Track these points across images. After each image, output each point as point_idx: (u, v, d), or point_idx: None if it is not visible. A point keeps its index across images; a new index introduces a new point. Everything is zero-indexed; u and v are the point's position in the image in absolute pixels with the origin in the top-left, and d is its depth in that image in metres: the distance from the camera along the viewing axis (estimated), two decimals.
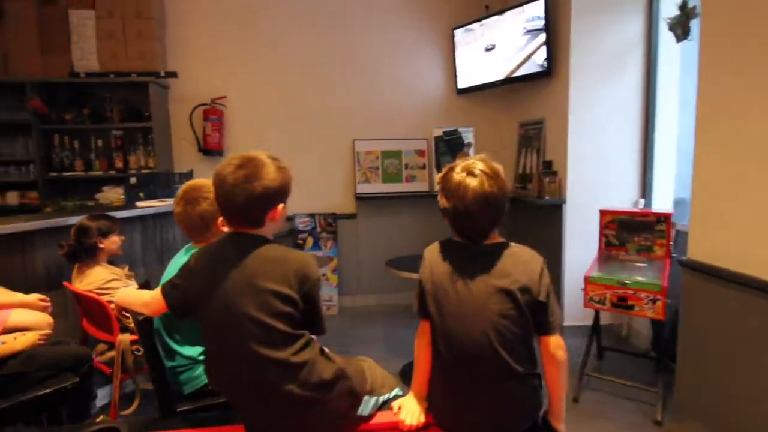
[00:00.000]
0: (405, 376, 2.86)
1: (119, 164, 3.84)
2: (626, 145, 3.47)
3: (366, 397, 1.19)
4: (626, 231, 2.85)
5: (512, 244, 1.26)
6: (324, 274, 4.25)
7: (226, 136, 4.14)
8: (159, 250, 3.05)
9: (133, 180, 3.35)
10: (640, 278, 2.39)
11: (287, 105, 4.21)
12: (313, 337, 1.19)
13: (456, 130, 4.36)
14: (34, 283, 2.29)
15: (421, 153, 4.41)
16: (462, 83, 4.30)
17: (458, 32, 4.20)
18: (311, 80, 4.22)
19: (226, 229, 1.30)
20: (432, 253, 1.29)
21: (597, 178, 3.49)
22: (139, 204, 3.04)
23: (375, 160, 4.35)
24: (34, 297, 1.93)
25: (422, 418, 1.20)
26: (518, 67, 3.85)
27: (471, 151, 4.35)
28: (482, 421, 1.18)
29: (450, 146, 4.36)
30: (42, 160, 3.72)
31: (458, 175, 1.18)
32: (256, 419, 1.10)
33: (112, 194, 3.66)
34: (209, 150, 4.04)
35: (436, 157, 4.35)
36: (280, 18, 4.11)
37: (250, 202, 1.14)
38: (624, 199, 3.47)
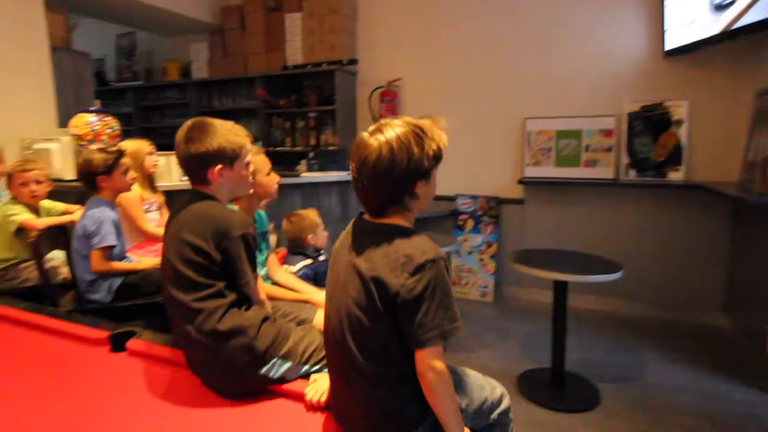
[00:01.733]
0: (523, 382, 2.58)
1: (313, 141, 4.54)
2: None
3: (277, 360, 1.19)
4: None
5: (416, 234, 1.05)
6: (482, 260, 4.09)
7: (400, 116, 4.37)
8: None
9: (311, 155, 3.93)
10: None
11: (457, 84, 4.14)
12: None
13: (660, 105, 3.48)
14: None
15: (607, 133, 3.69)
16: (672, 42, 3.36)
17: None
18: (482, 57, 4.02)
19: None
20: (348, 224, 1.18)
21: None
22: (303, 174, 3.57)
23: (548, 140, 3.87)
24: None
25: (324, 399, 1.13)
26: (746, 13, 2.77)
27: (683, 130, 3.41)
28: (346, 414, 1.07)
29: (651, 125, 3.51)
30: (264, 137, 4.73)
31: (366, 132, 1.05)
32: (183, 348, 1.27)
33: (303, 167, 4.37)
34: None
35: (628, 139, 3.58)
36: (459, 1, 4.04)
37: (186, 162, 1.29)
38: None
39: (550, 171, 3.86)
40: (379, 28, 4.36)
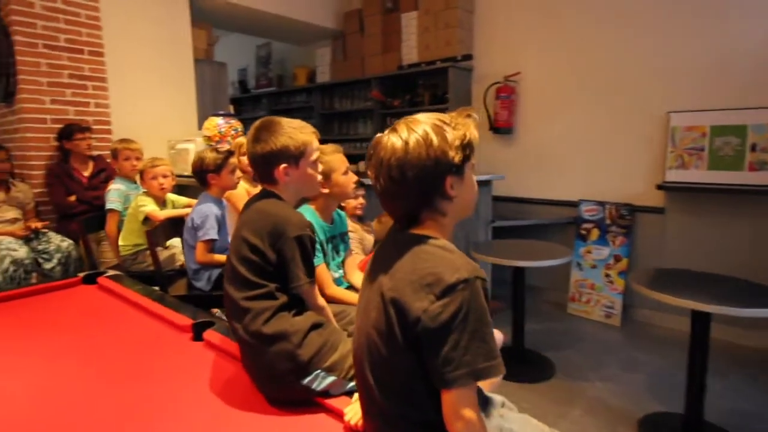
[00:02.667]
0: (646, 427, 2.18)
1: None
2: None
3: (320, 372, 1.10)
4: None
5: (441, 242, 0.87)
6: (608, 275, 3.58)
7: (517, 114, 4.06)
8: None
9: None
10: None
11: (583, 75, 3.68)
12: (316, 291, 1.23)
13: None
14: None
15: None
16: None
17: None
18: (615, 41, 3.51)
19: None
20: None
21: None
22: None
23: (700, 138, 3.22)
24: None
25: (361, 423, 1.01)
26: None
27: None
28: None
29: None
30: None
31: (383, 133, 0.92)
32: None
33: None
34: (498, 128, 4.08)
35: None
36: None
37: (253, 162, 1.27)
38: None
39: (700, 175, 3.21)
40: (497, 20, 4.09)
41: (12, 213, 2.83)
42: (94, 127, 3.26)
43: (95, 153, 3.21)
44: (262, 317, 1.11)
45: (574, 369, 2.78)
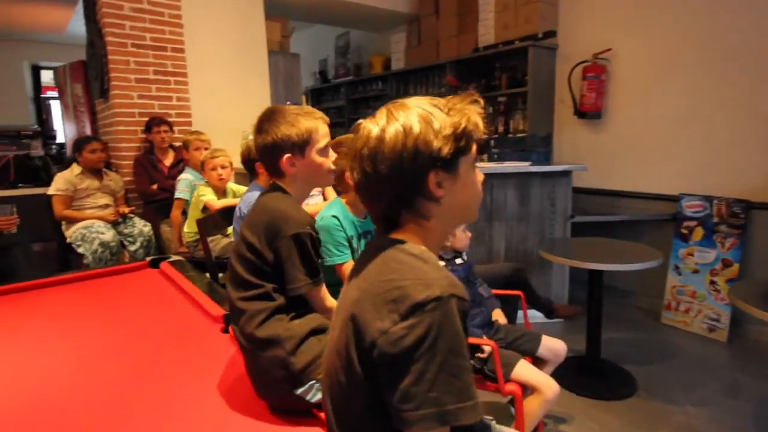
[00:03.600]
0: None
1: (501, 128, 4.14)
2: None
3: (315, 383, 1.00)
4: None
5: (417, 249, 0.72)
6: (713, 283, 3.07)
7: (606, 96, 3.61)
8: (488, 209, 3.19)
9: (492, 143, 3.59)
10: None
11: (687, 50, 3.15)
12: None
13: None
14: None
15: None
16: None
17: None
18: (727, 10, 2.93)
19: None
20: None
21: None
22: (476, 165, 3.26)
23: None
24: None
25: None
26: None
27: None
28: None
29: None
30: None
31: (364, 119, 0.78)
32: None
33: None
34: (584, 112, 3.66)
35: None
36: None
37: (258, 154, 1.19)
38: None
39: None
40: None
41: (104, 199, 3.12)
42: (176, 119, 3.48)
43: (177, 144, 3.43)
44: (256, 319, 1.04)
45: (660, 388, 2.41)
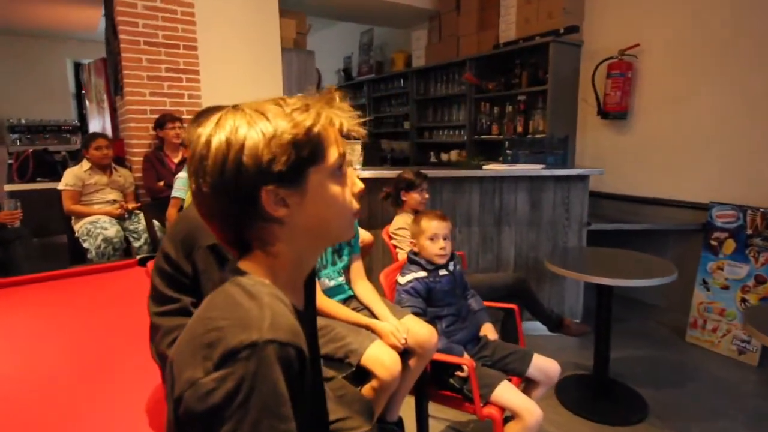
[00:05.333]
0: None
1: (520, 128, 3.95)
2: None
3: None
4: None
5: (252, 281, 0.61)
6: (744, 300, 2.80)
7: (632, 95, 3.36)
8: (497, 213, 3.03)
9: (506, 144, 3.41)
10: None
11: (722, 47, 2.87)
12: None
13: None
14: None
15: None
16: None
17: None
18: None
19: None
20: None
21: None
22: (485, 167, 3.11)
23: None
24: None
25: None
26: None
27: None
28: None
29: None
30: (471, 124, 4.40)
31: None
32: None
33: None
34: (607, 112, 3.43)
35: None
36: None
37: None
38: None
39: None
40: None
41: (113, 195, 3.17)
42: (188, 117, 3.50)
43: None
44: (169, 337, 0.97)
45: (675, 414, 2.21)
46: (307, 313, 0.72)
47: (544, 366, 1.75)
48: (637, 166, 3.38)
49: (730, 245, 2.89)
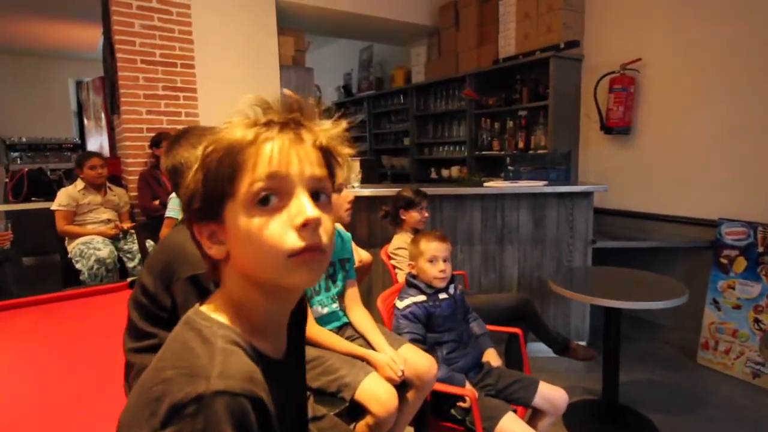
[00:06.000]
0: None
1: (521, 144, 3.90)
2: None
3: None
4: None
5: (206, 321, 0.55)
6: (758, 321, 2.70)
7: (636, 110, 3.31)
8: (499, 231, 2.96)
9: (507, 160, 3.35)
10: None
11: (728, 60, 2.82)
12: None
13: None
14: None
15: None
16: None
17: None
18: None
19: None
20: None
21: None
22: (486, 183, 3.05)
23: None
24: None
25: None
26: None
27: None
28: None
29: None
30: (471, 140, 4.35)
31: None
32: None
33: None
34: (610, 127, 3.37)
35: None
36: None
37: None
38: None
39: None
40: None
41: (107, 214, 3.11)
42: None
43: None
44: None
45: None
46: (289, 361, 0.64)
47: (550, 395, 1.66)
48: (642, 182, 3.31)
49: (740, 263, 2.80)
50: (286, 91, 0.58)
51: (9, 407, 1.24)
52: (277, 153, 0.54)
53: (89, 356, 1.55)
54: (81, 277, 2.81)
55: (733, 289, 2.80)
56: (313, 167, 0.56)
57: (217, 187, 0.55)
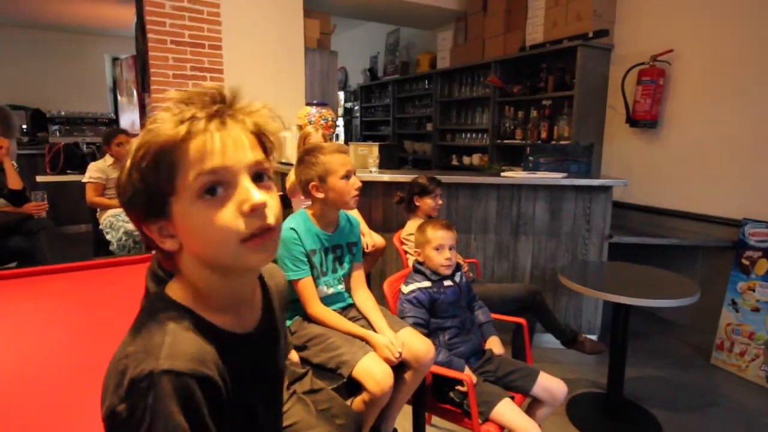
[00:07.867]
0: None
1: (544, 134, 3.85)
2: None
3: None
4: None
5: (164, 300, 0.59)
6: None
7: (664, 103, 3.22)
8: (514, 222, 2.96)
9: (528, 150, 3.33)
10: None
11: (761, 54, 2.71)
12: None
13: None
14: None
15: None
16: None
17: None
18: None
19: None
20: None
21: None
22: (504, 173, 3.04)
23: None
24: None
25: None
26: None
27: None
28: None
29: None
30: (494, 128, 4.31)
31: None
32: None
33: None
34: (637, 120, 3.30)
35: None
36: None
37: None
38: None
39: None
40: None
41: None
42: None
43: None
44: None
45: None
46: (258, 332, 0.67)
47: (549, 386, 1.69)
48: (665, 177, 3.24)
49: (762, 265, 2.73)
50: (206, 84, 0.59)
51: (40, 358, 1.35)
52: (212, 146, 0.55)
53: (112, 320, 1.65)
54: (110, 248, 2.96)
55: (753, 291, 2.75)
56: (250, 152, 0.57)
57: (157, 188, 0.56)
